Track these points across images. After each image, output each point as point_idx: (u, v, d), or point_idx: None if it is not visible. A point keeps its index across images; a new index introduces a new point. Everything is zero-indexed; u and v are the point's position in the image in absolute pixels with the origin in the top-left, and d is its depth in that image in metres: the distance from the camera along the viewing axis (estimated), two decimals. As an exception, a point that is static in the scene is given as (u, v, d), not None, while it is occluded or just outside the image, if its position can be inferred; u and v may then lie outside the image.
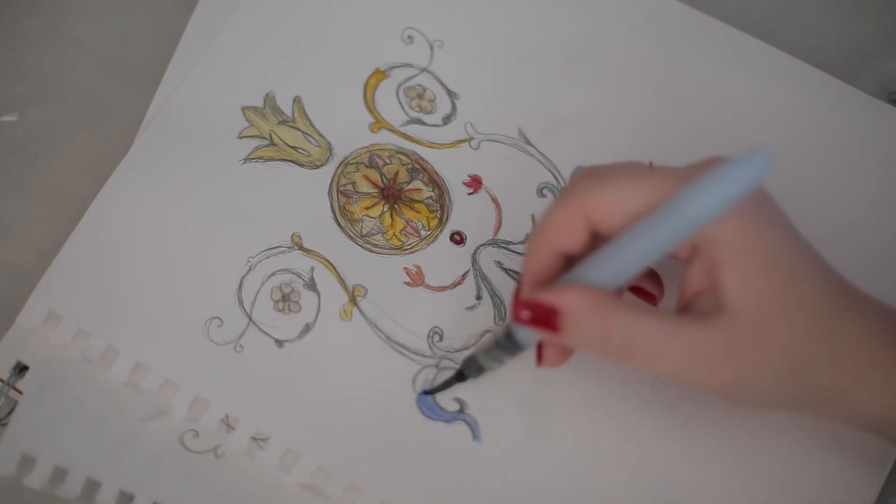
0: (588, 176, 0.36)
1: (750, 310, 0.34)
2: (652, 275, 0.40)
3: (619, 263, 0.34)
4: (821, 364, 0.35)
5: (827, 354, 0.35)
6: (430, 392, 0.41)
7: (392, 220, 0.44)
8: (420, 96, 0.46)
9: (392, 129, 0.45)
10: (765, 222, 0.35)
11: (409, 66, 0.47)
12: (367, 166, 0.45)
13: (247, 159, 0.44)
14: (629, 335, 0.34)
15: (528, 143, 0.46)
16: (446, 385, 0.40)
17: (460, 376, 0.39)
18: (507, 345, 0.37)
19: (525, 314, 0.35)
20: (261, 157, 0.44)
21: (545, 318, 0.35)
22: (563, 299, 0.35)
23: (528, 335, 0.37)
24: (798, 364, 0.34)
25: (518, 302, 0.36)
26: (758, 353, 0.34)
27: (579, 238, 0.36)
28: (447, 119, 0.46)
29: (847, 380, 0.35)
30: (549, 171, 0.45)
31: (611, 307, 0.34)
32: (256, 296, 0.41)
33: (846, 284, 0.36)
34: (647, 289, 0.40)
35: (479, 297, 0.43)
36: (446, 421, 0.40)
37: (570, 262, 0.36)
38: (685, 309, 0.36)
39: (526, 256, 0.37)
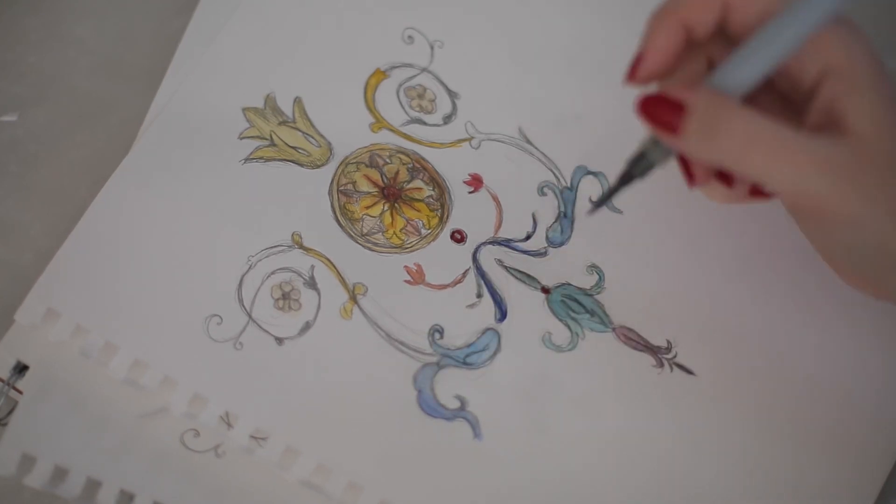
0: None
1: (875, 139, 0.34)
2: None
3: (757, 54, 0.33)
4: None
5: None
6: (599, 203, 0.37)
7: (392, 218, 0.44)
8: (420, 96, 0.46)
9: (392, 129, 0.45)
10: (883, 72, 0.35)
11: (410, 65, 0.47)
12: (367, 166, 0.45)
13: (247, 159, 0.44)
14: (751, 135, 0.33)
15: (529, 142, 0.46)
16: (614, 191, 0.36)
17: (627, 177, 0.36)
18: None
19: (644, 110, 0.34)
20: (261, 157, 0.44)
21: (666, 116, 0.34)
22: (691, 94, 0.33)
23: None
24: None
25: (646, 99, 0.34)
26: (878, 180, 0.33)
27: (711, 17, 0.34)
28: (447, 119, 0.46)
29: None
30: (550, 170, 0.45)
31: (734, 105, 0.33)
32: (256, 294, 0.41)
33: None
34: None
35: (479, 296, 0.43)
36: (447, 419, 0.40)
37: (689, 49, 0.35)
38: None
39: (647, 30, 0.35)
